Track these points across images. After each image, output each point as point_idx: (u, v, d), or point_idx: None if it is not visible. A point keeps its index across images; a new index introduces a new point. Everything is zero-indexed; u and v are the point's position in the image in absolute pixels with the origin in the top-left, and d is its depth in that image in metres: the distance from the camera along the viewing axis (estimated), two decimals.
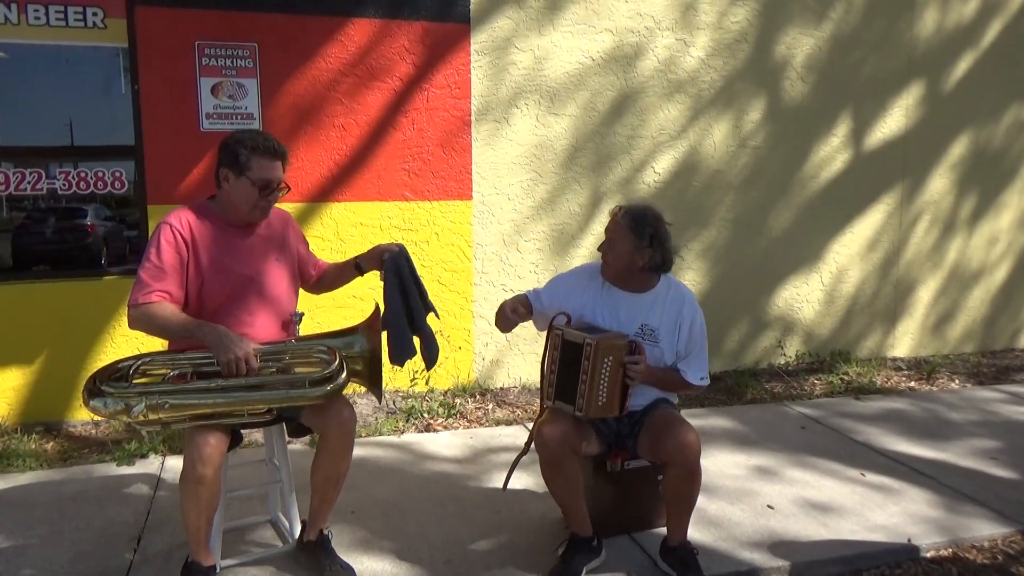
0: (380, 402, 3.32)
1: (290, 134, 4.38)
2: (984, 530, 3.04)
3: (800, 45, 5.31)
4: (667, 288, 2.74)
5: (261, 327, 2.53)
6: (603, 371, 2.50)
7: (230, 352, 2.26)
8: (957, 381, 5.27)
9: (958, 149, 5.82)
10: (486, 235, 4.79)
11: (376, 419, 4.28)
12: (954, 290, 5.98)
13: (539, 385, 3.73)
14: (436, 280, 4.68)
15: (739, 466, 3.65)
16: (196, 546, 2.39)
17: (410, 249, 4.51)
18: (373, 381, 2.56)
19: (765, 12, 5.20)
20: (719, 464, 3.66)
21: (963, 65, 5.75)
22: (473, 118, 4.69)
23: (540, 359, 2.79)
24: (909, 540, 2.94)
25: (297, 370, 2.45)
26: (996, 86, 5.86)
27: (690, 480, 2.56)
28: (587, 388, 2.50)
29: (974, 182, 5.91)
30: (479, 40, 4.65)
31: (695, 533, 2.87)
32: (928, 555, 2.91)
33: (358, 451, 3.23)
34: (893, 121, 5.61)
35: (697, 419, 4.25)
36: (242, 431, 2.58)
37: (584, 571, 2.62)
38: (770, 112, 5.30)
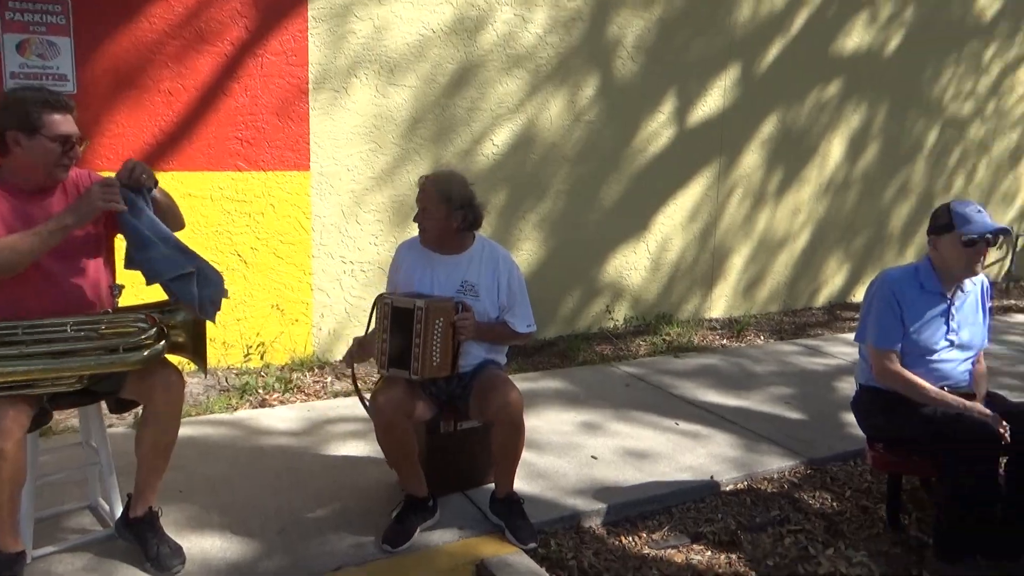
0: (205, 375, 3.27)
1: (110, 98, 4.12)
2: (775, 464, 3.47)
3: (631, 26, 5.60)
4: (482, 248, 2.93)
5: (70, 300, 2.41)
6: (435, 332, 2.63)
7: (93, 203, 2.25)
8: (762, 337, 5.87)
9: (768, 128, 6.39)
10: (325, 207, 4.75)
11: (207, 397, 4.16)
12: (762, 256, 6.60)
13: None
14: (272, 253, 4.59)
15: (568, 423, 3.90)
16: (0, 531, 2.28)
17: (244, 222, 4.51)
18: (197, 352, 2.52)
19: None
20: (550, 422, 3.90)
21: (774, 50, 6.30)
22: (311, 86, 4.61)
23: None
24: (712, 477, 3.30)
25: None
26: (802, 71, 6.46)
27: (514, 435, 2.74)
28: (421, 351, 2.62)
29: (781, 158, 6.52)
30: (317, 6, 4.55)
31: (526, 485, 3.08)
32: (727, 488, 3.28)
33: (186, 430, 3.16)
34: (713, 100, 6.06)
35: (531, 382, 4.48)
36: (54, 412, 2.47)
37: (418, 530, 2.75)
38: (603, 89, 5.58)
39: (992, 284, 5.71)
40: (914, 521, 3.04)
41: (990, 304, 2.95)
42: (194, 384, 4.31)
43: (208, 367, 3.07)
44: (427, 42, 4.90)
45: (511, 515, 2.80)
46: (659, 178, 5.93)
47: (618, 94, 5.64)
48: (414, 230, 2.94)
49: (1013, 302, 7.49)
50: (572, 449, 3.57)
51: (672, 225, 6.06)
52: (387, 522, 2.76)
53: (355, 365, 3.06)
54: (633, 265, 5.94)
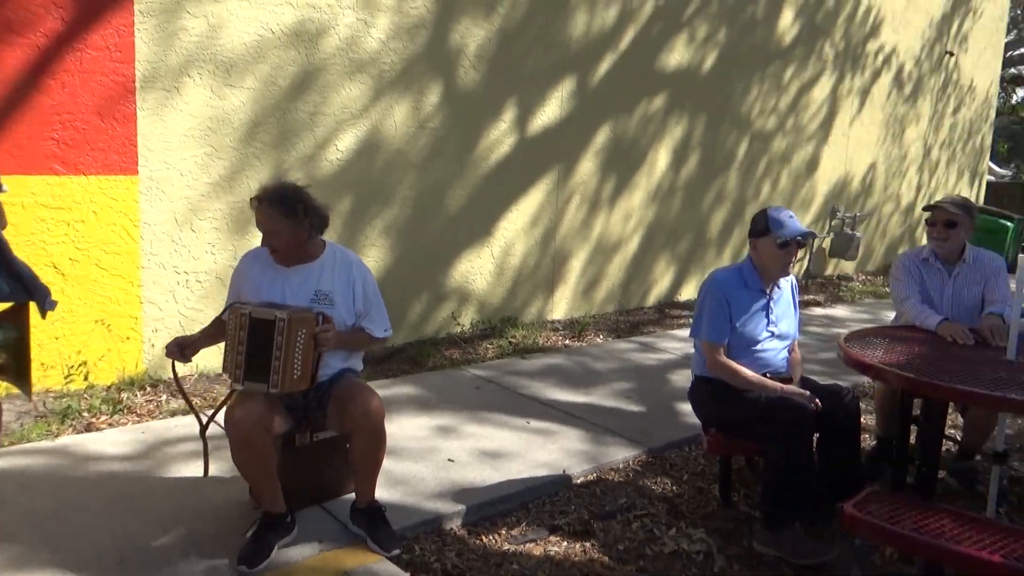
0: (30, 399, 2.98)
1: None
2: (620, 455, 3.69)
3: (472, 35, 5.72)
4: (333, 255, 2.89)
5: None
6: (297, 345, 2.56)
7: None
8: (601, 336, 6.19)
9: (601, 137, 6.76)
10: (155, 213, 4.46)
11: (22, 425, 3.75)
12: (599, 259, 6.97)
13: (220, 370, 3.63)
14: (95, 264, 4.25)
15: (423, 428, 3.93)
16: None
17: (62, 230, 4.16)
18: (20, 374, 2.31)
19: (442, 0, 5.50)
20: (404, 428, 3.90)
21: (605, 65, 6.67)
22: (138, 85, 4.31)
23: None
24: (564, 471, 3.45)
25: None
26: (631, 85, 6.89)
27: (376, 443, 2.73)
28: (282, 364, 2.55)
29: (613, 166, 6.92)
30: (145, 0, 4.27)
31: (384, 493, 3.07)
32: (579, 481, 3.45)
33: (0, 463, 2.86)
34: (551, 110, 6.32)
35: (384, 388, 4.46)
36: None
37: (276, 547, 2.66)
38: (447, 96, 5.65)
39: (796, 280, 6.38)
40: (743, 497, 3.35)
41: (799, 299, 3.33)
42: (5, 411, 3.89)
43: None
44: (266, 43, 4.74)
45: (373, 524, 2.79)
46: (502, 185, 6.09)
47: (461, 102, 5.74)
48: (255, 237, 2.85)
49: (811, 297, 8.40)
50: (429, 453, 3.60)
51: (515, 230, 6.24)
52: (241, 542, 2.65)
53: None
54: (478, 270, 6.06)
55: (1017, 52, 23.22)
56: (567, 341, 5.99)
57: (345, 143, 5.18)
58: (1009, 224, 9.49)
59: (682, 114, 7.42)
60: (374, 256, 5.40)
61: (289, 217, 2.69)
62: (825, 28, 8.94)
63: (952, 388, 2.58)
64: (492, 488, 3.27)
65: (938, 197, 11.36)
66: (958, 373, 2.69)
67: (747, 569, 2.80)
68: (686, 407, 4.02)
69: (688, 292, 7.88)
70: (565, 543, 2.96)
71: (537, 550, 2.91)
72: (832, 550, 2.78)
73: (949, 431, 3.69)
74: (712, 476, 3.52)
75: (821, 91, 9.08)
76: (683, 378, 4.92)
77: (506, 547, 2.91)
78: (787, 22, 8.39)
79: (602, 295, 7.07)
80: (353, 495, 2.89)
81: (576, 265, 6.78)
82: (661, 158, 7.31)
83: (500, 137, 6.02)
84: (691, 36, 7.33)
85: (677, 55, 7.23)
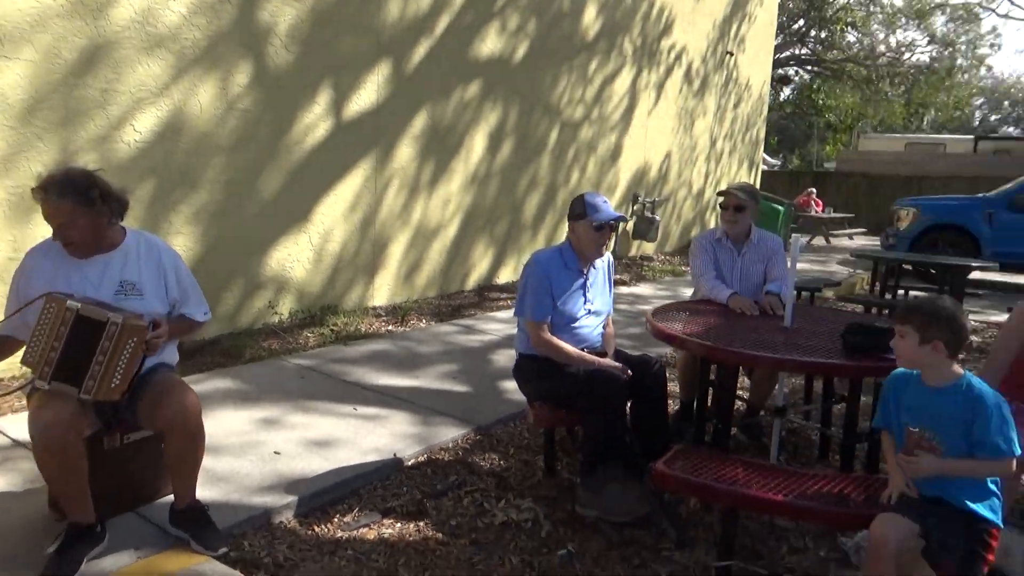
0: None
1: None
2: (449, 434, 3.77)
3: (283, 14, 5.50)
4: (137, 242, 2.71)
5: None
6: (124, 352, 2.38)
7: None
8: (424, 321, 6.25)
9: (419, 123, 6.78)
10: None
11: None
12: (420, 244, 7.01)
13: None
14: None
15: (245, 421, 3.78)
16: None
17: None
18: None
19: None
20: (225, 423, 3.73)
21: (421, 50, 6.68)
22: None
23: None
24: (395, 455, 3.48)
25: None
26: (446, 71, 6.96)
27: (193, 442, 2.60)
28: (102, 370, 2.36)
29: (432, 152, 6.97)
30: None
31: (206, 492, 2.93)
32: (410, 463, 3.50)
33: None
34: (367, 94, 6.24)
35: (198, 383, 4.23)
36: None
37: (85, 561, 2.46)
38: (257, 77, 5.40)
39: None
40: (565, 466, 3.57)
41: (614, 277, 3.58)
42: None
43: None
44: (46, 10, 4.26)
45: (196, 524, 2.66)
46: (319, 169, 5.94)
47: (273, 83, 5.51)
48: (38, 226, 2.58)
49: (618, 277, 8.99)
50: (253, 447, 3.47)
51: (333, 216, 6.12)
52: (45, 560, 2.43)
53: None
54: (296, 257, 5.87)
55: (784, 55, 26.12)
56: (390, 327, 5.98)
57: (144, 124, 4.79)
58: (780, 208, 10.69)
59: (496, 102, 7.62)
60: (181, 244, 5.07)
61: (84, 206, 2.46)
62: (624, 24, 9.54)
63: (742, 353, 2.92)
64: (322, 477, 3.22)
65: (723, 184, 12.59)
66: (746, 340, 3.04)
67: (571, 531, 2.99)
68: (510, 384, 4.19)
69: (506, 275, 8.14)
70: (399, 524, 3.00)
71: (371, 534, 2.92)
72: (646, 506, 3.04)
73: (740, 392, 4.15)
74: (537, 448, 3.71)
75: (622, 84, 9.70)
76: (505, 357, 5.11)
77: (339, 534, 2.90)
78: (591, 17, 8.86)
79: (423, 280, 7.12)
80: (172, 498, 2.73)
81: (397, 250, 6.77)
82: (477, 144, 7.47)
83: (315, 121, 5.85)
84: (503, 26, 7.53)
85: (490, 44, 7.40)
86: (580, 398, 3.09)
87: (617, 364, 3.19)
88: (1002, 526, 2.19)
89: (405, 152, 6.68)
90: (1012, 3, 40.49)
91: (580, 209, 3.22)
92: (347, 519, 3.01)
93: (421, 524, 3.00)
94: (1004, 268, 8.67)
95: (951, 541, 2.14)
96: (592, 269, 3.36)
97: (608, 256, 3.45)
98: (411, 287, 6.99)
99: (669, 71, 10.77)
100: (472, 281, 7.74)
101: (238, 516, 2.86)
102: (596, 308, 3.37)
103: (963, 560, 2.13)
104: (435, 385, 4.54)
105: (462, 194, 7.40)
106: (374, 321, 6.10)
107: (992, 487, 2.19)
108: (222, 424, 3.71)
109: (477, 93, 7.36)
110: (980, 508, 2.16)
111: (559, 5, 8.32)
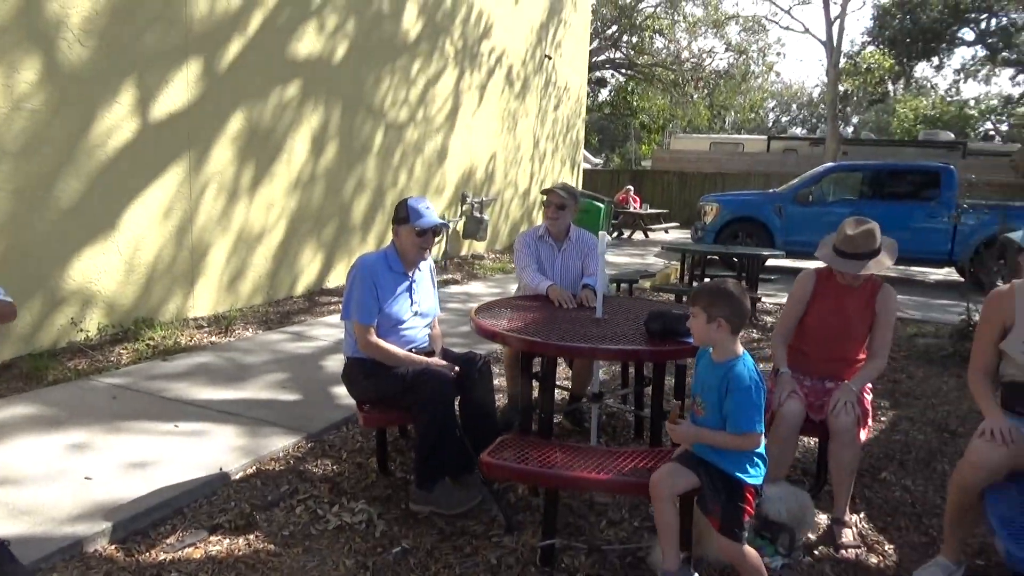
0: None
1: None
2: (279, 444, 3.71)
3: (75, 6, 5.09)
4: None
5: None
6: None
7: None
8: (251, 330, 6.04)
9: (236, 124, 6.52)
10: None
11: None
12: (242, 250, 6.75)
13: None
14: None
15: (50, 448, 3.50)
16: None
17: None
18: None
19: None
20: (27, 452, 3.44)
21: (234, 48, 6.43)
22: None
23: None
24: (221, 469, 3.37)
25: None
26: (263, 70, 6.74)
27: None
28: None
29: (252, 154, 6.73)
30: None
31: (8, 527, 2.73)
32: (237, 476, 3.40)
33: None
34: (176, 94, 5.91)
35: None
36: None
37: None
38: (48, 74, 4.96)
39: (435, 263, 6.90)
40: (399, 465, 3.63)
41: (437, 279, 3.68)
42: None
43: None
44: None
45: None
46: (126, 174, 5.56)
47: (68, 81, 5.09)
48: None
49: (450, 276, 9.14)
50: (61, 475, 3.23)
51: (144, 224, 5.75)
52: None
53: None
54: (103, 268, 5.47)
55: (600, 58, 27.53)
56: (213, 338, 5.73)
57: None
58: (601, 205, 11.32)
59: (318, 103, 7.49)
60: None
61: None
62: (445, 27, 9.69)
63: (559, 345, 3.12)
64: (141, 500, 3.07)
65: (547, 184, 13.12)
66: (564, 333, 3.25)
67: (405, 528, 3.06)
68: (341, 390, 4.18)
69: (336, 278, 8.03)
70: (227, 540, 2.92)
71: (197, 553, 2.83)
72: (476, 497, 3.17)
73: (563, 382, 4.40)
74: (370, 450, 3.73)
75: (445, 85, 9.84)
76: (336, 363, 5.07)
77: (162, 557, 2.78)
78: (411, 18, 8.92)
79: (248, 287, 6.87)
80: None
81: (218, 257, 6.48)
82: (300, 147, 7.30)
83: (119, 122, 5.48)
84: (321, 25, 7.41)
85: (309, 43, 7.26)
86: (409, 396, 3.16)
87: (444, 363, 3.29)
88: (759, 484, 2.52)
89: (222, 155, 6.41)
90: (792, 17, 45.51)
91: (403, 214, 3.29)
92: (170, 540, 2.90)
93: (251, 537, 2.95)
94: (791, 255, 9.75)
95: (715, 495, 2.47)
96: (417, 271, 3.44)
97: (430, 260, 3.54)
98: (235, 295, 6.71)
99: (491, 73, 11.06)
100: (301, 286, 7.56)
101: (45, 549, 2.67)
102: (423, 310, 3.45)
103: (725, 511, 2.45)
104: (263, 395, 4.42)
105: (286, 198, 7.21)
106: (195, 333, 5.81)
107: (751, 453, 2.51)
108: (24, 452, 3.43)
109: (297, 94, 7.19)
110: (734, 470, 2.47)
111: (379, 6, 8.30)
